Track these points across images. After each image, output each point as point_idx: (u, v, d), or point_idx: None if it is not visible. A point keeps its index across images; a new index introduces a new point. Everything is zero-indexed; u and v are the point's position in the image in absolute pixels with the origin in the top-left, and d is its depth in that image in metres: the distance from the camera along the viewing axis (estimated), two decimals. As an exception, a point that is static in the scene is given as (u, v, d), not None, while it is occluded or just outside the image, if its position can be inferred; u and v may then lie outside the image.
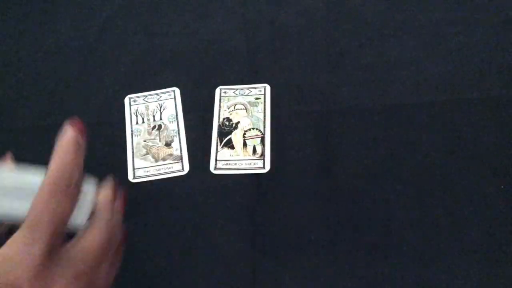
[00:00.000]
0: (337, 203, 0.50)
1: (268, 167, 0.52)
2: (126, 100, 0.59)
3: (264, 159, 0.53)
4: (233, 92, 0.57)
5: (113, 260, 0.34)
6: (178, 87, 0.59)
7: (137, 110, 0.58)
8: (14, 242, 0.27)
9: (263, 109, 0.56)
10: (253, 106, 0.56)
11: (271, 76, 0.58)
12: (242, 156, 0.53)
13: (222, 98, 0.57)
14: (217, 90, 0.58)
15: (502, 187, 0.48)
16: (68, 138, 0.31)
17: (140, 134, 0.57)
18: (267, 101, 0.56)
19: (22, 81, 0.63)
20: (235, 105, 0.57)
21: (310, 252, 0.48)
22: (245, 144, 0.54)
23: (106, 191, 0.36)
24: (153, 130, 0.57)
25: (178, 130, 0.56)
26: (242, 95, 0.57)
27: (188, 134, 0.56)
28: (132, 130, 0.57)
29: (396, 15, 0.59)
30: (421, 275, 0.46)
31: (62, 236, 0.29)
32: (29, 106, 0.61)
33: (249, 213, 0.50)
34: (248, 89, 0.57)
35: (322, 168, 0.52)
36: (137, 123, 0.57)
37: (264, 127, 0.55)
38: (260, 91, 0.57)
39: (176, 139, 0.56)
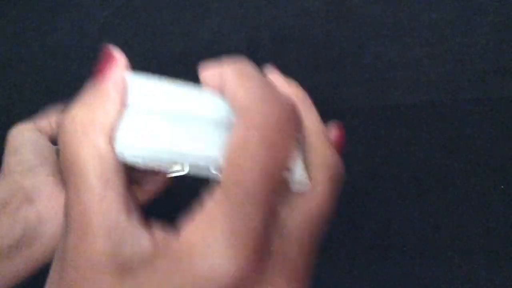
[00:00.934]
0: (337, 203, 0.50)
1: (268, 167, 0.52)
2: (126, 100, 0.59)
3: (264, 159, 0.52)
4: (233, 92, 0.57)
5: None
6: (178, 87, 0.59)
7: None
8: (208, 221, 0.17)
9: (263, 109, 0.56)
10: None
11: (271, 76, 0.58)
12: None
13: (222, 98, 0.57)
14: (217, 90, 0.58)
15: (502, 187, 0.48)
16: (241, 65, 0.21)
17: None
18: (267, 101, 0.56)
19: (22, 81, 0.63)
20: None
21: (310, 252, 0.48)
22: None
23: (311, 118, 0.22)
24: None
25: (178, 130, 0.56)
26: (242, 95, 0.57)
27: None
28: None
29: (396, 15, 0.59)
30: (421, 275, 0.46)
31: (281, 197, 0.18)
32: (28, 107, 0.61)
33: (249, 213, 0.50)
34: (248, 89, 0.57)
35: (322, 168, 0.52)
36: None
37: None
38: (260, 91, 0.57)
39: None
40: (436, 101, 0.53)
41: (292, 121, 0.19)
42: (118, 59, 0.21)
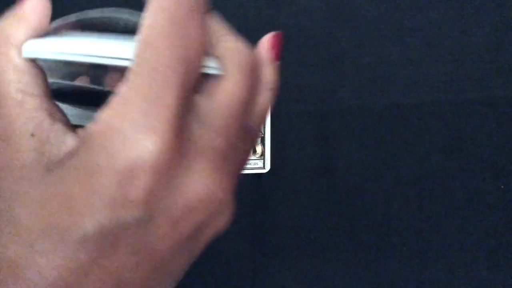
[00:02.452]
0: (337, 203, 0.50)
1: (268, 167, 0.52)
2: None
3: (264, 159, 0.53)
4: (233, 92, 0.57)
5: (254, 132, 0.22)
6: (178, 87, 0.59)
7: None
8: (122, 101, 0.16)
9: (263, 109, 0.56)
10: (253, 105, 0.56)
11: (271, 76, 0.58)
12: (242, 155, 0.53)
13: (221, 97, 0.57)
14: (217, 90, 0.58)
15: (502, 187, 0.48)
16: None
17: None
18: (267, 101, 0.56)
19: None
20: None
21: (310, 252, 0.48)
22: (245, 144, 0.54)
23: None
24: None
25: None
26: (242, 94, 0.57)
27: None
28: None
29: (396, 15, 0.59)
30: (421, 275, 0.46)
31: (197, 75, 0.18)
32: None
33: (249, 213, 0.50)
34: (248, 88, 0.57)
35: (322, 168, 0.52)
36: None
37: (264, 127, 0.55)
38: (260, 90, 0.57)
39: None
40: (436, 101, 0.53)
41: (202, 5, 0.19)
42: None
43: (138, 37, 0.17)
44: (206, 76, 0.19)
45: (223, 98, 0.18)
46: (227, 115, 0.18)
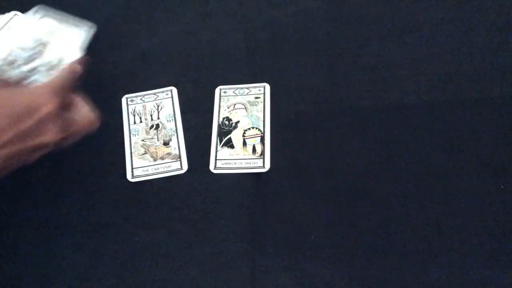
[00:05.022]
0: (337, 203, 0.50)
1: (268, 166, 0.52)
2: (123, 100, 0.59)
3: (264, 158, 0.52)
4: (233, 92, 0.57)
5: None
6: (177, 87, 0.59)
7: (134, 109, 0.58)
8: (40, 86, 0.42)
9: (262, 109, 0.56)
10: (253, 105, 0.56)
11: (271, 76, 0.58)
12: (241, 155, 0.53)
13: (222, 97, 0.57)
14: (217, 90, 0.58)
15: (502, 187, 0.48)
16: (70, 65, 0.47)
17: (138, 134, 0.56)
18: (266, 100, 0.56)
19: (20, 80, 0.62)
20: (235, 104, 0.57)
21: (310, 252, 0.48)
22: (244, 144, 0.54)
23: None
24: (151, 130, 0.56)
25: (176, 129, 0.56)
26: (241, 94, 0.57)
27: (187, 133, 0.56)
28: (130, 130, 0.57)
29: (396, 15, 0.59)
30: (421, 275, 0.46)
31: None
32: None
33: (249, 213, 0.50)
34: (247, 88, 0.57)
35: (322, 168, 0.52)
36: (134, 122, 0.57)
37: (264, 126, 0.55)
38: (259, 90, 0.57)
39: (174, 138, 0.55)
40: (436, 101, 0.53)
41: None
42: None
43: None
44: None
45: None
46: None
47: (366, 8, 0.60)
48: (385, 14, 0.59)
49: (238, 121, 0.55)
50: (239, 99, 0.57)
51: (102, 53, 0.63)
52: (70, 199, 0.53)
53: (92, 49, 0.63)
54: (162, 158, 0.54)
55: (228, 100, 0.57)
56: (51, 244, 0.51)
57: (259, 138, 0.54)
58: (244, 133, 0.54)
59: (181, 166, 0.53)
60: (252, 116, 0.55)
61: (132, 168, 0.54)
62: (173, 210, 0.52)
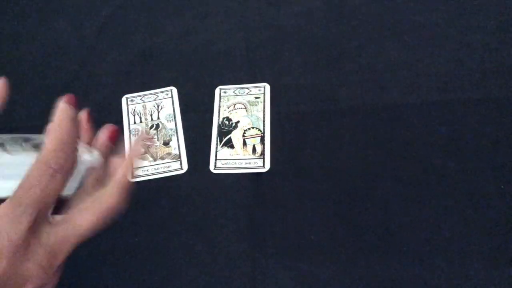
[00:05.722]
0: (337, 203, 0.50)
1: (268, 166, 0.52)
2: (123, 100, 0.59)
3: (264, 158, 0.52)
4: (233, 92, 0.57)
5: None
6: (177, 87, 0.59)
7: (134, 109, 0.58)
8: (2, 213, 0.27)
9: (262, 109, 0.56)
10: (253, 105, 0.56)
11: (271, 76, 0.58)
12: (241, 155, 0.53)
13: (222, 97, 0.57)
14: (217, 90, 0.58)
15: (502, 187, 0.48)
16: (60, 114, 0.30)
17: (138, 134, 0.56)
18: (266, 100, 0.56)
19: (21, 80, 0.62)
20: (235, 104, 0.57)
21: (310, 252, 0.48)
22: (244, 143, 0.54)
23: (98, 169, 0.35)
24: (151, 130, 0.56)
25: (176, 129, 0.56)
26: (241, 94, 0.57)
27: (187, 133, 0.56)
28: (130, 130, 0.57)
29: (395, 15, 0.59)
30: (421, 275, 0.46)
31: (49, 210, 0.29)
32: (27, 105, 0.60)
33: (249, 213, 0.50)
34: (248, 88, 0.57)
35: (322, 168, 0.52)
36: (134, 122, 0.57)
37: (264, 126, 0.54)
38: (260, 90, 0.57)
39: (174, 138, 0.55)
40: (436, 101, 0.53)
41: (63, 175, 0.29)
42: None
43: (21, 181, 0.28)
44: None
45: (61, 231, 0.30)
46: (59, 245, 0.29)
47: (366, 8, 0.60)
48: (385, 14, 0.59)
49: (238, 121, 0.55)
50: (239, 99, 0.57)
51: (102, 53, 0.63)
52: (70, 199, 0.53)
53: (93, 48, 0.63)
54: (162, 158, 0.54)
55: (228, 100, 0.57)
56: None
57: (259, 138, 0.54)
58: (244, 133, 0.54)
59: (181, 166, 0.53)
60: (252, 116, 0.55)
61: (132, 168, 0.54)
62: (173, 210, 0.52)
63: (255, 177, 0.52)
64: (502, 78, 0.53)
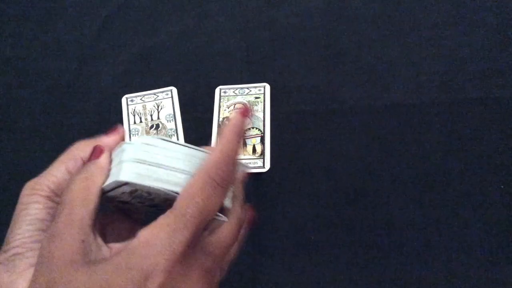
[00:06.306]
0: (337, 203, 0.50)
1: (268, 166, 0.52)
2: (123, 100, 0.59)
3: (264, 158, 0.52)
4: (233, 92, 0.57)
5: (238, 244, 0.34)
6: (177, 87, 0.59)
7: (134, 109, 0.58)
8: (158, 227, 0.26)
9: (262, 109, 0.56)
10: (253, 105, 0.56)
11: (271, 76, 0.58)
12: (241, 155, 0.53)
13: (222, 97, 0.57)
14: (217, 90, 0.58)
15: (502, 187, 0.48)
16: (233, 128, 0.30)
17: (138, 134, 0.56)
18: (266, 100, 0.56)
19: (21, 80, 0.62)
20: (235, 104, 0.57)
21: (310, 252, 0.48)
22: (244, 144, 0.54)
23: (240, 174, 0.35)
24: (151, 130, 0.56)
25: (176, 129, 0.56)
26: (241, 94, 0.57)
27: (187, 133, 0.56)
28: (130, 130, 0.57)
29: (395, 15, 0.59)
30: (421, 275, 0.46)
31: (205, 226, 0.28)
32: (27, 106, 0.60)
33: (249, 213, 0.50)
34: (248, 88, 0.57)
35: (322, 168, 0.52)
36: (134, 122, 0.57)
37: (264, 126, 0.54)
38: (260, 90, 0.57)
39: (174, 138, 0.55)
40: (436, 101, 0.53)
41: (223, 188, 0.28)
42: (102, 150, 0.31)
43: (184, 187, 0.28)
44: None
45: (220, 237, 0.30)
46: (220, 250, 0.29)
47: (366, 8, 0.60)
48: (385, 14, 0.59)
49: (238, 121, 0.55)
50: (239, 99, 0.57)
51: (102, 53, 0.63)
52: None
53: (93, 48, 0.63)
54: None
55: (228, 100, 0.57)
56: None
57: (259, 138, 0.54)
58: (244, 133, 0.54)
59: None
60: (252, 116, 0.55)
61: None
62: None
63: (255, 177, 0.52)
64: (502, 78, 0.53)
